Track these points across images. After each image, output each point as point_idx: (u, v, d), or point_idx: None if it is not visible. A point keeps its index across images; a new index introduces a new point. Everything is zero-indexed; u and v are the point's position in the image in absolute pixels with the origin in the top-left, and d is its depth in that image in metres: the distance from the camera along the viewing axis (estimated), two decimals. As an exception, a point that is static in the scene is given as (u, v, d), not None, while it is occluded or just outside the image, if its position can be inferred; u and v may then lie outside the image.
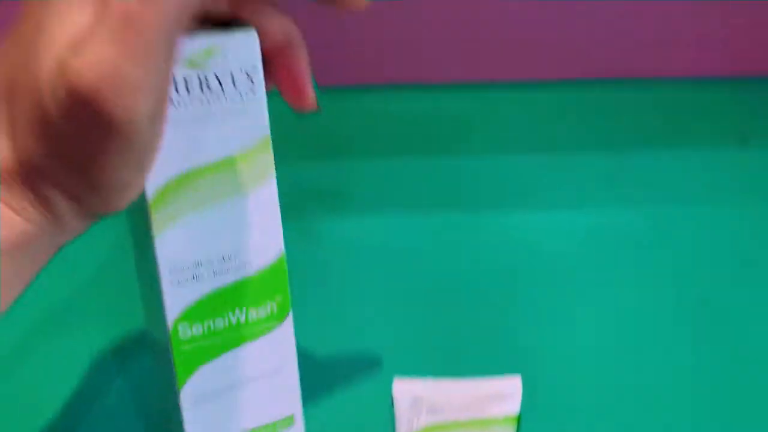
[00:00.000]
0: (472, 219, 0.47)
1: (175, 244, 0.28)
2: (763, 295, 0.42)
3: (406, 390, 0.39)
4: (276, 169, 0.30)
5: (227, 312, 0.30)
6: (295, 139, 0.49)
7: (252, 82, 0.28)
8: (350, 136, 0.51)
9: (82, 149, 0.23)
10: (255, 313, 0.31)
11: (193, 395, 0.30)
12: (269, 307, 0.31)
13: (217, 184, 0.29)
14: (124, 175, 0.24)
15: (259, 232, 0.30)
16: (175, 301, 0.29)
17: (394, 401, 0.39)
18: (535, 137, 0.51)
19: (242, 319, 0.31)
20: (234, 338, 0.31)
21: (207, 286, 0.29)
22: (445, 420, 0.37)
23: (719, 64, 0.55)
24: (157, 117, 0.23)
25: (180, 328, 0.29)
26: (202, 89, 0.27)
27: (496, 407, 0.38)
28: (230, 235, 0.30)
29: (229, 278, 0.30)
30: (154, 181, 0.27)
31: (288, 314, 0.32)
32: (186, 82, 0.27)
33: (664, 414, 0.37)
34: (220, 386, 0.31)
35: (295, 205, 0.45)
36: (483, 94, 0.54)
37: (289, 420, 0.33)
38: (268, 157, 0.30)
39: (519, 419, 0.37)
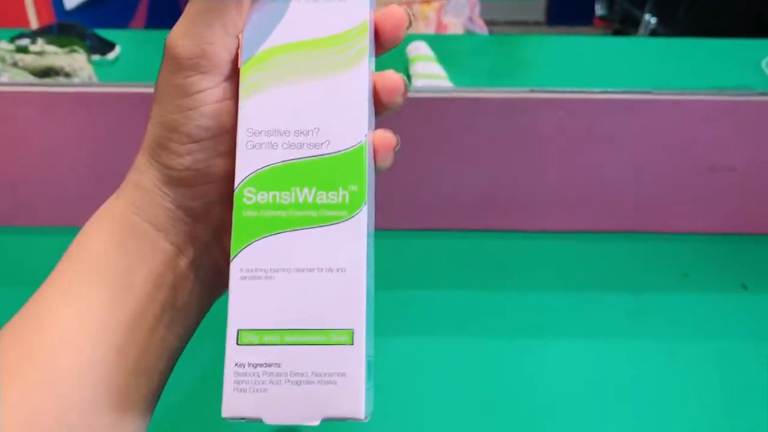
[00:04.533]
0: (510, 345, 0.54)
1: (256, 109, 0.30)
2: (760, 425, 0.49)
3: None
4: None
5: (296, 187, 0.29)
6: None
7: None
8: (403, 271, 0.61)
9: None
10: (325, 196, 0.29)
11: (245, 268, 0.28)
12: (341, 195, 0.29)
13: (308, 60, 0.30)
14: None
15: (342, 116, 0.29)
16: (246, 164, 0.29)
17: None
18: (565, 278, 0.61)
19: (310, 198, 0.29)
20: (299, 218, 0.28)
21: (280, 156, 0.29)
22: None
23: (723, 223, 0.66)
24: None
25: (246, 192, 0.29)
26: None
27: None
28: (312, 112, 0.30)
29: (303, 153, 0.29)
30: (248, 51, 0.30)
31: (361, 208, 0.28)
32: None
33: None
34: (274, 266, 0.28)
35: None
36: (523, 241, 0.64)
37: (347, 335, 0.27)
38: (363, 43, 0.30)
39: None
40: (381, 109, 0.32)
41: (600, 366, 0.52)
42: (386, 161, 0.33)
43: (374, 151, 0.32)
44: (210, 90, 0.29)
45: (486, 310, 0.56)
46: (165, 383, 0.32)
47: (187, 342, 0.33)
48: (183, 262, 0.31)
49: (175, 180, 0.30)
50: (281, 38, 0.30)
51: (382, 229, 0.60)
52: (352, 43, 0.30)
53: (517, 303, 0.57)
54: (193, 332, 0.33)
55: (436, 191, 0.64)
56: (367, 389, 0.28)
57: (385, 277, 0.55)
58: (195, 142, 0.30)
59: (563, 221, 0.66)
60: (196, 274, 0.32)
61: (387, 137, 0.32)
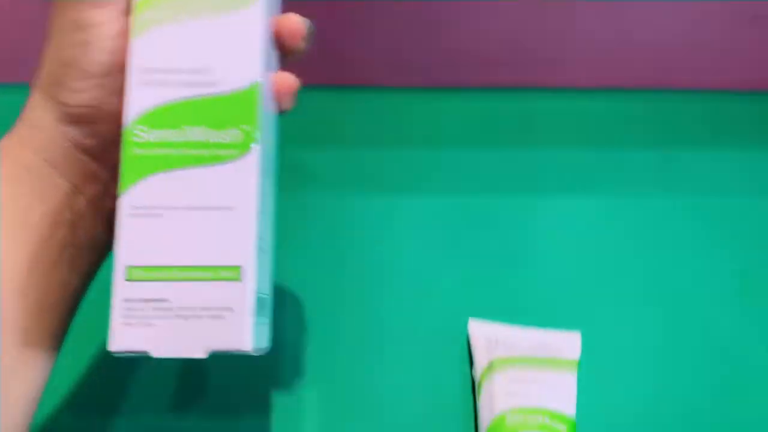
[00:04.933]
0: (534, 201, 0.52)
1: (149, 46, 0.29)
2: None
3: (481, 329, 0.44)
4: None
5: (187, 125, 0.29)
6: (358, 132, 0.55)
7: None
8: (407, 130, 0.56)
9: None
10: (216, 135, 0.29)
11: (133, 205, 0.28)
12: (233, 134, 0.29)
13: None
14: None
15: (236, 55, 0.29)
16: (137, 101, 0.29)
17: (471, 338, 0.44)
18: (592, 135, 0.57)
19: (201, 137, 0.29)
20: (190, 156, 0.29)
21: (172, 93, 0.29)
22: (519, 354, 0.42)
23: (761, 80, 0.61)
24: None
25: (135, 129, 0.29)
26: None
27: (560, 351, 0.43)
28: (206, 50, 0.29)
29: (196, 91, 0.29)
30: None
31: (252, 147, 0.29)
32: None
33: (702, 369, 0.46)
34: (163, 204, 0.28)
35: (367, 185, 0.52)
36: (549, 98, 0.59)
37: (235, 271, 0.28)
38: None
39: (578, 363, 0.43)
40: (284, 52, 0.32)
41: (626, 222, 0.52)
42: (286, 103, 0.33)
43: (275, 92, 0.32)
44: (106, 24, 0.29)
45: (510, 168, 0.54)
46: (71, 320, 0.32)
47: (90, 279, 0.33)
48: (81, 201, 0.31)
49: (71, 117, 0.30)
50: None
51: (403, 86, 0.57)
52: None
53: (541, 160, 0.55)
54: (97, 270, 0.33)
55: (459, 45, 0.59)
56: (259, 324, 0.29)
57: (407, 135, 0.55)
58: (91, 78, 0.29)
59: (591, 77, 0.61)
60: (95, 212, 0.32)
61: (287, 79, 0.32)
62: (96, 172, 0.31)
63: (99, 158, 0.31)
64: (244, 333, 0.28)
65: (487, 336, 0.44)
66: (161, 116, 0.29)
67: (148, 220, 0.28)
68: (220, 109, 0.29)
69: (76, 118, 0.30)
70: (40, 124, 0.30)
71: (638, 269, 0.49)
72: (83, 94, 0.30)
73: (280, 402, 0.43)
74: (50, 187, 0.31)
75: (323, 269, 0.47)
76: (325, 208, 0.50)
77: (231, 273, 0.28)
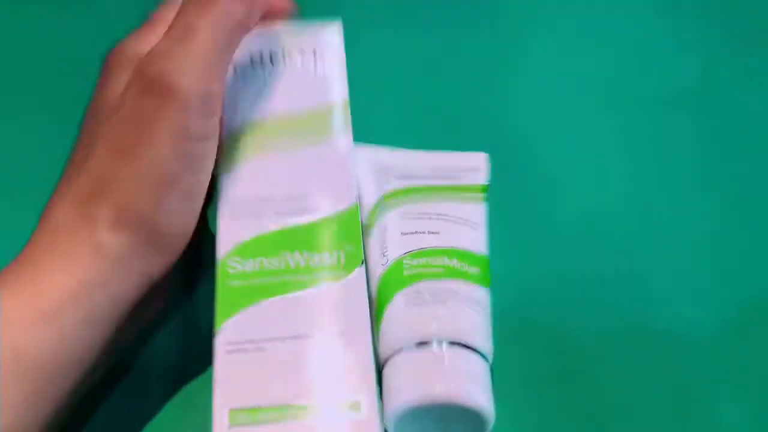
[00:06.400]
0: None
1: (239, 179, 0.28)
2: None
3: (370, 157, 0.36)
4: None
5: (286, 252, 0.27)
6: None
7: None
8: None
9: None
10: (318, 259, 0.27)
11: (232, 341, 0.25)
12: (336, 256, 0.27)
13: (292, 130, 0.29)
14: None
15: (330, 181, 0.28)
16: (230, 233, 0.27)
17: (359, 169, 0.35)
18: None
19: (302, 263, 0.26)
20: (290, 282, 0.26)
21: (267, 223, 0.27)
22: (418, 184, 0.34)
23: None
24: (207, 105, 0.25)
25: (230, 262, 0.27)
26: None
27: (466, 177, 0.35)
28: (298, 179, 0.28)
29: (291, 220, 0.27)
30: (229, 125, 0.29)
31: (359, 266, 0.26)
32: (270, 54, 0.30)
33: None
34: (266, 336, 0.25)
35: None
36: None
37: (354, 407, 0.24)
38: (347, 110, 0.30)
39: (487, 189, 0.35)
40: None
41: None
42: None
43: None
44: (212, 139, 0.26)
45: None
46: None
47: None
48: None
49: (156, 247, 0.26)
50: (261, 113, 0.30)
51: None
52: (335, 112, 0.30)
53: None
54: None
55: None
56: None
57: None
58: (191, 201, 0.26)
59: None
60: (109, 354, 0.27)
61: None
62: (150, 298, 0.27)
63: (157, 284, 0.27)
64: None
65: (375, 164, 0.35)
66: (257, 246, 0.27)
67: (250, 355, 0.25)
68: (320, 233, 0.27)
69: (161, 249, 0.26)
70: (109, 255, 0.25)
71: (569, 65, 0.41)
72: (177, 218, 0.26)
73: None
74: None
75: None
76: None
77: (347, 408, 0.24)
